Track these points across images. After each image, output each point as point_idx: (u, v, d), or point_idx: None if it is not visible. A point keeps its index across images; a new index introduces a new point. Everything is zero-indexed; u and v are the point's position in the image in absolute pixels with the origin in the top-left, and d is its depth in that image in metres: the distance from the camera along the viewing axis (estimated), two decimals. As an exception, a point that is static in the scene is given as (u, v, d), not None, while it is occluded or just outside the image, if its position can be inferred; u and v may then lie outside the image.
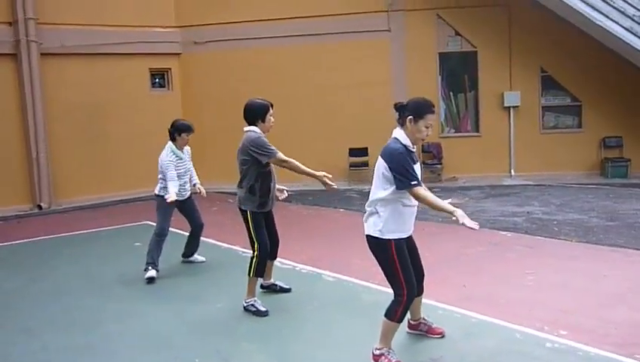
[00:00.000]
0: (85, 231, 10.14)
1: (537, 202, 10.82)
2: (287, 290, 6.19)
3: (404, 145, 4.14)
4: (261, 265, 5.61)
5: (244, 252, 7.81)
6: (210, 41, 14.49)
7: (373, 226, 4.22)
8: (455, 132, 14.67)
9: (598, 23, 12.14)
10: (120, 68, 13.86)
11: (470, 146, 14.26)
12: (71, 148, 13.32)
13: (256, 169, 5.52)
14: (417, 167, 4.23)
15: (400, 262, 4.17)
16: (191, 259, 7.62)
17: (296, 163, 5.60)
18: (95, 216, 11.71)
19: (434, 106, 4.27)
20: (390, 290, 4.29)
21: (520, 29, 13.84)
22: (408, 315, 4.66)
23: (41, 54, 12.74)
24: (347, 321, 5.33)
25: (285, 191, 6.04)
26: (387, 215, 4.17)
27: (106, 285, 6.88)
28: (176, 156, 6.94)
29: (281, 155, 5.53)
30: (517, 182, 13.34)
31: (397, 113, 4.27)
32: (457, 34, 14.26)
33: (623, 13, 12.16)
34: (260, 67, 14.33)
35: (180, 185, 7.00)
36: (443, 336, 4.79)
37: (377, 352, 4.29)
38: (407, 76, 14.05)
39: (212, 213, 10.67)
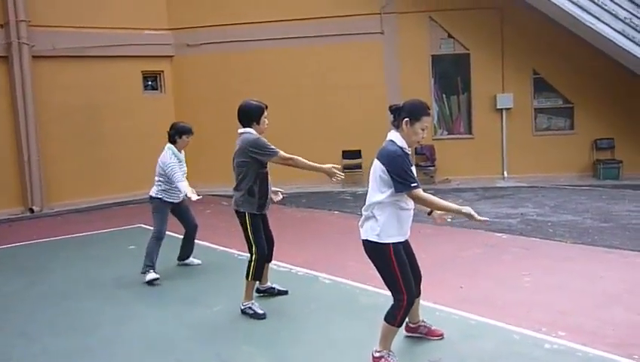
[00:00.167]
0: (80, 234, 10.09)
1: (531, 204, 10.87)
2: (284, 293, 6.18)
3: (401, 148, 4.11)
4: (259, 269, 5.59)
5: (239, 255, 7.81)
6: (203, 44, 14.47)
7: (371, 231, 4.18)
8: (448, 134, 14.71)
9: (590, 25, 12.21)
10: (112, 70, 13.82)
11: (463, 148, 14.31)
12: (63, 150, 13.25)
13: (255, 170, 5.50)
14: (413, 170, 4.19)
15: (399, 266, 4.13)
16: (187, 261, 7.59)
17: (301, 159, 5.62)
18: (88, 219, 11.66)
19: (429, 108, 4.27)
20: (388, 293, 4.28)
21: (512, 31, 13.90)
22: (406, 318, 4.66)
23: (33, 57, 12.69)
24: (346, 323, 5.32)
25: (280, 194, 6.02)
26: (384, 219, 4.13)
27: (103, 288, 6.84)
28: (177, 158, 6.92)
29: (283, 153, 5.53)
30: (510, 184, 13.39)
31: (392, 115, 4.25)
32: (450, 36, 14.31)
33: (614, 15, 12.24)
34: (253, 69, 14.32)
35: (175, 187, 6.98)
36: (442, 338, 4.80)
37: (377, 355, 4.28)
38: (400, 78, 14.09)
39: (206, 216, 10.64)
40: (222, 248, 8.46)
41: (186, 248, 7.59)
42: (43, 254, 8.85)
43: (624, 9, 12.35)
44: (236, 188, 5.62)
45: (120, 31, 13.70)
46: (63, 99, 13.20)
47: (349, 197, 12.58)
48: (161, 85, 14.86)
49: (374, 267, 4.29)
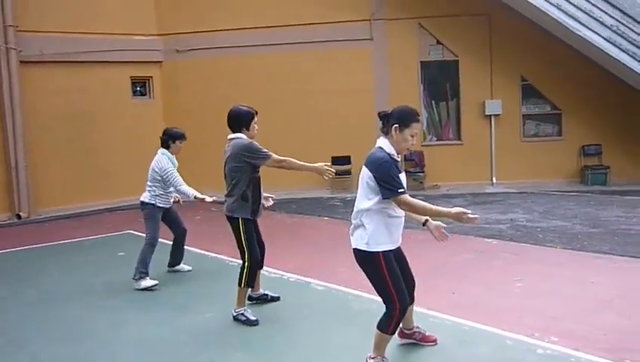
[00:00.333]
0: (68, 241, 10.00)
1: (520, 209, 10.92)
2: (277, 299, 6.16)
3: (389, 154, 4.09)
4: (252, 275, 5.57)
5: (230, 261, 7.78)
6: (192, 49, 14.43)
7: (360, 239, 4.15)
8: (437, 140, 14.76)
9: (577, 32, 12.32)
10: (101, 76, 13.73)
11: (452, 154, 14.36)
12: (51, 156, 13.14)
13: (249, 175, 5.48)
14: (402, 177, 4.18)
15: (390, 275, 4.10)
16: (177, 268, 7.55)
17: (293, 160, 5.62)
18: (77, 226, 11.57)
19: (419, 115, 4.24)
20: (380, 299, 4.26)
21: (501, 38, 13.99)
22: (401, 324, 4.65)
23: (21, 62, 12.59)
24: (339, 329, 5.31)
25: (270, 199, 6.00)
26: (373, 227, 4.10)
27: (93, 295, 6.78)
28: (172, 163, 6.91)
29: (276, 156, 5.52)
30: (499, 190, 13.45)
31: (381, 122, 4.22)
32: (439, 43, 14.37)
33: (601, 23, 12.36)
34: (242, 75, 14.29)
35: (168, 192, 6.98)
36: (436, 344, 4.80)
37: (372, 361, 4.27)
38: (389, 84, 14.13)
39: (196, 222, 10.60)
40: (212, 254, 8.42)
41: (176, 254, 7.56)
42: (30, 261, 8.76)
43: (611, 16, 12.47)
44: (229, 194, 5.59)
45: (109, 36, 13.63)
46: (50, 105, 13.10)
47: (338, 203, 12.58)
48: (149, 91, 14.79)
49: (365, 275, 4.27)
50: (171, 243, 7.53)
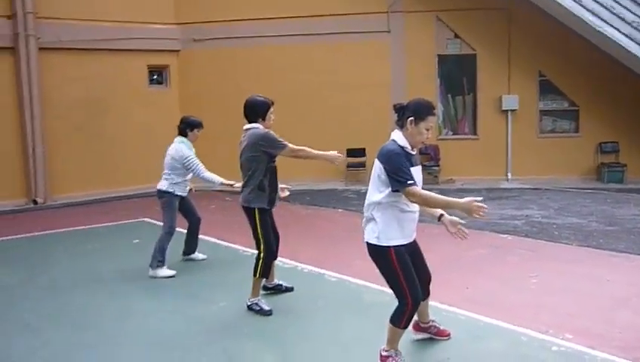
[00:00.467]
0: (83, 227, 10.07)
1: (536, 206, 10.86)
2: (290, 289, 6.17)
3: (401, 147, 4.04)
4: (267, 266, 5.58)
5: (244, 251, 7.81)
6: (209, 39, 14.43)
7: (371, 233, 4.13)
8: (453, 134, 14.70)
9: (598, 29, 12.19)
10: (118, 64, 13.79)
11: (468, 149, 14.29)
12: (67, 143, 13.23)
13: (265, 165, 5.48)
14: (418, 170, 4.14)
15: (401, 270, 4.06)
16: (192, 256, 7.58)
17: (308, 149, 5.63)
18: (92, 212, 11.64)
19: (435, 108, 4.18)
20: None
21: (519, 32, 13.87)
22: (416, 317, 4.65)
23: (40, 49, 12.66)
24: (352, 321, 5.32)
25: (286, 190, 5.99)
26: (384, 221, 4.07)
27: (107, 281, 6.82)
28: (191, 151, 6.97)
29: (293, 146, 5.53)
30: (514, 186, 13.38)
31: (396, 114, 4.17)
32: (457, 36, 14.28)
33: (622, 19, 12.22)
34: (258, 66, 14.29)
35: (186, 180, 7.02)
36: (449, 338, 4.78)
37: (385, 354, 4.27)
38: (405, 78, 14.06)
39: (210, 212, 10.64)
40: (226, 243, 8.45)
41: (191, 243, 7.58)
42: (46, 246, 8.83)
43: (632, 12, 12.33)
44: (245, 185, 5.60)
45: (127, 24, 13.67)
46: (68, 92, 13.18)
47: (352, 196, 12.57)
48: (166, 80, 14.84)
49: (377, 268, 4.25)
50: (186, 231, 7.56)
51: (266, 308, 5.53)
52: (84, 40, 13.16)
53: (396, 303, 4.15)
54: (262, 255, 5.54)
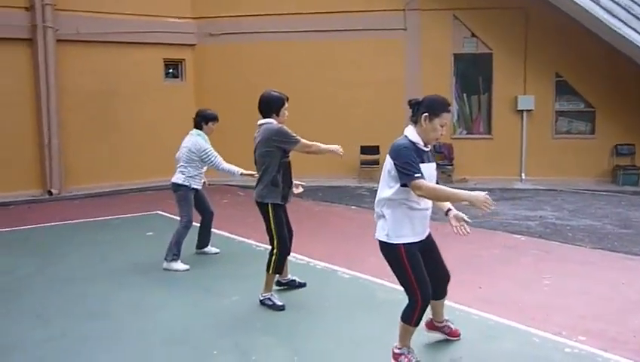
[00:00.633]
0: (97, 219, 10.15)
1: (550, 207, 10.80)
2: (303, 285, 6.18)
3: (413, 142, 4.01)
4: (281, 262, 5.58)
5: (257, 245, 7.83)
6: (225, 34, 14.48)
7: (381, 230, 4.12)
8: (467, 133, 14.65)
9: (616, 30, 12.09)
10: (134, 57, 13.88)
11: (482, 148, 14.24)
12: (83, 135, 13.33)
13: (279, 160, 5.48)
14: (431, 167, 4.11)
15: (412, 267, 4.04)
16: (205, 250, 7.61)
17: (318, 144, 5.63)
18: (106, 204, 11.72)
19: (450, 105, 4.15)
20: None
21: (536, 32, 13.79)
22: (431, 315, 4.64)
23: (57, 40, 12.75)
24: (365, 318, 5.32)
25: (300, 187, 5.98)
26: (393, 219, 4.05)
27: (120, 274, 6.86)
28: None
29: (306, 141, 5.54)
30: (528, 186, 13.32)
31: (411, 110, 4.14)
32: (473, 35, 14.23)
33: (640, 20, 12.12)
34: (274, 61, 14.31)
35: (201, 173, 7.04)
36: (460, 338, 4.76)
37: (398, 351, 4.27)
38: (421, 76, 14.04)
39: (223, 206, 10.67)
40: (239, 238, 8.47)
41: (204, 236, 7.61)
42: (61, 237, 8.90)
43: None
44: (259, 180, 5.60)
45: (144, 18, 13.75)
46: (84, 84, 13.28)
47: (365, 193, 12.57)
48: (181, 73, 14.90)
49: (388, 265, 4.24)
50: (199, 225, 7.59)
51: (279, 303, 5.54)
52: (102, 32, 13.25)
53: (406, 302, 4.15)
54: (275, 251, 5.55)
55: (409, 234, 4.07)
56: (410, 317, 4.13)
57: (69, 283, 6.51)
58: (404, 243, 4.05)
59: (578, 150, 13.90)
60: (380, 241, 4.15)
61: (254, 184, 5.73)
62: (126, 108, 13.81)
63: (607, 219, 9.67)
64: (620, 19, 12.11)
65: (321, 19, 14.09)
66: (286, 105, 5.61)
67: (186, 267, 6.88)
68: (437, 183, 4.14)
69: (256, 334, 5.00)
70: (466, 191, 3.88)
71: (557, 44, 13.70)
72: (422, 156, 4.02)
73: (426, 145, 4.08)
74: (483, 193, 3.80)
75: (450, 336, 4.76)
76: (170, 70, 14.80)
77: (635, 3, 12.23)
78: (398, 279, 4.17)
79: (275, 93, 5.62)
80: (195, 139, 6.94)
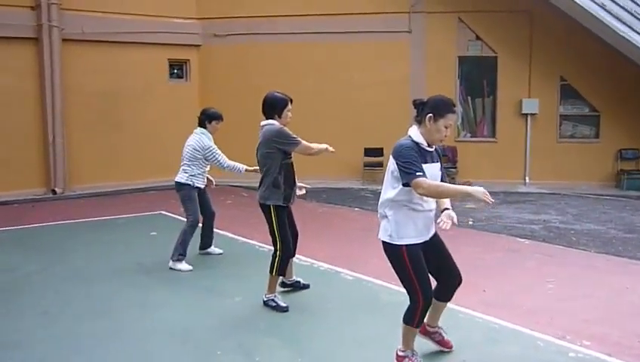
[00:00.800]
0: (101, 218, 10.16)
1: (554, 211, 10.78)
2: (306, 286, 6.17)
3: (416, 143, 3.99)
4: (284, 264, 5.56)
5: (261, 246, 7.83)
6: (230, 34, 14.49)
7: (384, 231, 4.11)
8: (471, 136, 14.63)
9: (622, 34, 12.06)
10: (139, 57, 13.90)
11: (486, 151, 14.23)
12: (87, 134, 13.35)
13: (280, 161, 5.46)
14: (435, 167, 4.08)
15: (413, 268, 4.03)
16: (208, 250, 7.61)
17: (317, 145, 5.61)
18: (110, 204, 11.73)
19: (455, 106, 4.12)
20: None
21: (541, 36, 13.78)
22: (426, 319, 4.57)
23: (62, 40, 12.77)
24: (368, 320, 5.31)
25: (304, 189, 5.97)
26: (396, 220, 4.04)
27: (124, 273, 6.87)
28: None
29: (306, 143, 5.52)
30: (532, 190, 13.30)
31: (416, 110, 4.11)
32: (478, 38, 14.22)
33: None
34: (279, 63, 14.32)
35: (204, 172, 7.05)
36: (452, 350, 4.62)
37: (401, 354, 4.25)
38: (425, 78, 14.03)
39: (227, 207, 10.68)
40: (243, 239, 8.47)
41: (206, 237, 7.61)
42: (63, 236, 8.90)
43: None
44: (261, 182, 5.60)
45: (149, 18, 13.77)
46: (89, 84, 13.30)
47: (369, 195, 12.56)
48: (186, 74, 14.91)
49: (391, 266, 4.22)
50: (200, 225, 7.57)
51: (282, 304, 5.54)
52: (107, 32, 13.28)
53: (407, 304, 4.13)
54: (278, 253, 5.53)
55: (412, 235, 4.07)
56: (412, 318, 4.12)
57: (73, 282, 6.52)
58: (406, 244, 4.04)
59: (582, 154, 13.88)
60: (383, 242, 4.14)
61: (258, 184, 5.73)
62: (131, 108, 13.83)
63: (611, 223, 9.65)
64: (625, 24, 12.10)
65: (326, 21, 14.10)
66: (289, 106, 5.59)
67: (189, 267, 6.88)
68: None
69: (260, 335, 5.00)
70: (466, 186, 3.90)
71: (562, 47, 13.68)
72: (425, 156, 4.00)
73: (429, 146, 4.06)
74: (481, 188, 3.80)
75: (441, 345, 4.62)
76: (175, 70, 14.82)
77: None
78: (400, 279, 4.16)
79: (279, 95, 5.60)
80: (199, 137, 6.95)
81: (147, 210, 10.80)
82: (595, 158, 13.85)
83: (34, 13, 12.57)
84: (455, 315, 5.23)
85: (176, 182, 7.06)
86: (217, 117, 7.09)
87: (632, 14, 12.16)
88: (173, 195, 7.32)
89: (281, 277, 5.79)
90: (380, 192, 4.20)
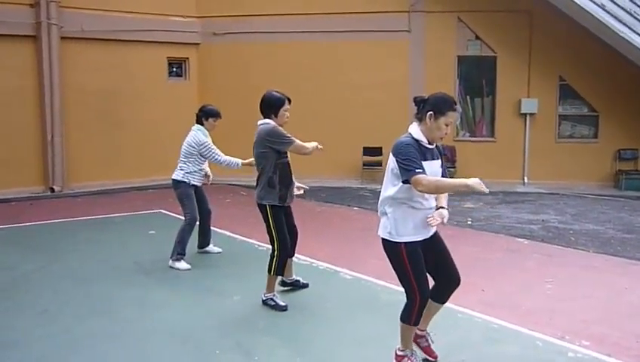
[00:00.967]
0: (99, 216, 10.14)
1: (552, 211, 10.78)
2: (306, 286, 6.16)
3: (416, 140, 3.97)
4: (282, 263, 5.53)
5: (259, 245, 7.82)
6: (229, 33, 14.48)
7: (384, 229, 4.11)
8: (470, 136, 14.63)
9: (621, 34, 12.07)
10: (138, 55, 13.88)
11: (484, 151, 14.23)
12: (86, 132, 13.34)
13: (274, 160, 5.44)
14: (435, 164, 4.06)
15: (412, 266, 4.02)
16: (207, 249, 7.59)
17: (309, 144, 5.59)
18: (108, 202, 11.72)
19: (456, 104, 4.10)
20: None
21: (541, 36, 13.78)
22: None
23: (61, 38, 12.75)
24: (367, 319, 5.31)
25: (302, 190, 5.94)
26: (395, 217, 4.04)
27: (123, 272, 6.85)
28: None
29: (299, 142, 5.49)
30: (530, 190, 13.31)
31: (416, 107, 4.09)
32: (477, 38, 14.22)
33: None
34: (278, 62, 14.31)
35: (200, 169, 7.03)
36: (437, 360, 4.48)
37: (400, 353, 4.24)
38: (424, 77, 14.04)
39: (225, 205, 10.67)
40: (241, 238, 8.46)
41: (204, 235, 7.59)
42: (61, 235, 8.89)
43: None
44: (257, 181, 5.58)
45: (148, 16, 13.76)
46: (88, 82, 13.28)
47: (368, 194, 12.56)
48: (185, 72, 14.90)
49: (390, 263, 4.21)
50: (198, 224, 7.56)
51: (281, 303, 5.53)
52: (106, 30, 13.26)
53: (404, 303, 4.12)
54: (275, 252, 5.51)
55: (411, 233, 4.06)
56: (409, 317, 4.10)
57: (71, 281, 6.50)
58: (405, 242, 4.04)
59: (581, 154, 13.90)
60: (383, 239, 4.14)
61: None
62: (129, 106, 13.81)
63: (609, 223, 9.65)
64: (624, 24, 12.10)
65: (326, 20, 14.09)
66: (286, 106, 5.53)
67: (187, 267, 6.87)
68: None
69: (259, 334, 4.99)
70: (463, 179, 3.86)
71: (561, 47, 13.69)
72: (425, 154, 3.98)
73: (430, 143, 4.05)
74: (477, 178, 3.78)
75: (426, 354, 4.49)
76: (174, 69, 14.81)
77: (639, 7, 12.22)
78: (398, 277, 4.15)
79: (276, 94, 5.56)
80: (195, 134, 6.95)
81: (146, 208, 10.79)
82: (594, 158, 13.86)
83: (33, 11, 12.55)
84: (454, 315, 5.23)
85: (172, 179, 7.06)
86: (215, 114, 7.07)
87: (631, 15, 12.17)
88: (172, 194, 7.29)
89: (280, 276, 5.78)
90: (380, 191, 4.20)
